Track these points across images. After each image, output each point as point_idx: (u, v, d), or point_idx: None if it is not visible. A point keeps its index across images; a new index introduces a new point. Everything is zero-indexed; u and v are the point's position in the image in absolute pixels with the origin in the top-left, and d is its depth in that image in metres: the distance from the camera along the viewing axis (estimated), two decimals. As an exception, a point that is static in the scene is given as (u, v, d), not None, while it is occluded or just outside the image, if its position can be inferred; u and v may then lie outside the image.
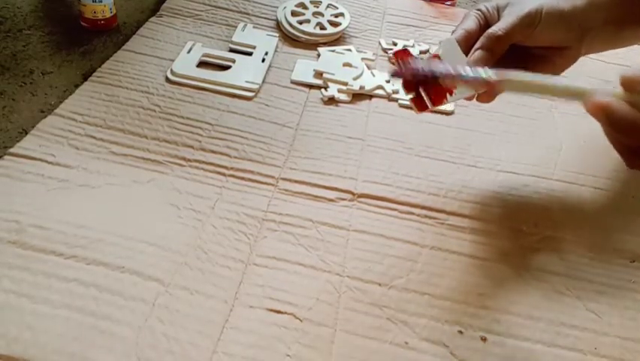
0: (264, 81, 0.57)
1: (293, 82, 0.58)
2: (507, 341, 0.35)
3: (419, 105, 0.41)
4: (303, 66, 0.60)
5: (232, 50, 0.61)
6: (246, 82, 0.55)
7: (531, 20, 0.38)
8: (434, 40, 0.70)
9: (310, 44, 0.65)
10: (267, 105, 0.54)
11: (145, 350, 0.31)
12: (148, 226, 0.39)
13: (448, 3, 0.79)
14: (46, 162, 0.43)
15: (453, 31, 0.41)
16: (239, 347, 0.33)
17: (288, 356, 0.32)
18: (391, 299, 0.37)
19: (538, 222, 0.45)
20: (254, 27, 0.65)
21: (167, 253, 0.38)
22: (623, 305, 0.39)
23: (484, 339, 0.35)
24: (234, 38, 0.62)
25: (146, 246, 0.38)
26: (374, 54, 0.65)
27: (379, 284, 0.38)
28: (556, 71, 0.41)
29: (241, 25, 0.65)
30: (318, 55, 0.63)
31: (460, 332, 0.35)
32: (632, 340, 0.37)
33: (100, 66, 0.55)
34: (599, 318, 0.38)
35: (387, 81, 0.59)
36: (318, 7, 0.69)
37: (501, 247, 0.42)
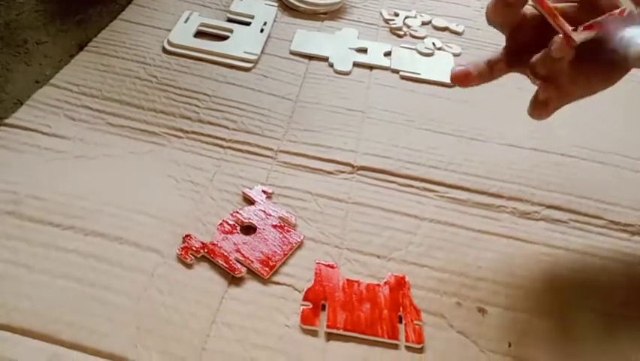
0: (262, 52, 0.56)
1: (292, 53, 0.57)
2: (506, 313, 0.35)
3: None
4: (303, 37, 0.59)
5: (230, 20, 0.60)
6: (245, 52, 0.54)
7: None
8: (436, 11, 0.69)
9: (310, 14, 0.64)
10: (265, 76, 0.53)
11: (144, 319, 0.32)
12: (146, 197, 0.39)
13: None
14: (43, 133, 0.43)
15: None
16: (238, 317, 0.33)
17: (287, 326, 0.33)
18: (390, 271, 0.37)
19: (540, 195, 0.44)
20: (252, -4, 0.64)
21: (165, 224, 0.37)
22: (624, 278, 0.39)
23: (482, 311, 0.35)
24: (232, 8, 0.61)
25: (145, 217, 0.38)
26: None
27: (378, 256, 0.38)
28: None
29: (239, -6, 0.64)
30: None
31: (459, 303, 0.35)
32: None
33: (95, 36, 0.54)
34: (595, 289, 0.38)
35: (388, 54, 0.58)
36: (318, -24, 0.67)
37: (501, 220, 0.42)
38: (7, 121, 0.43)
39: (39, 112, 0.45)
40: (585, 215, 0.43)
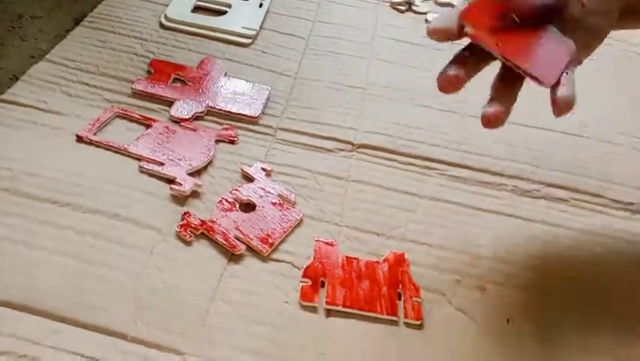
0: (261, 27, 0.55)
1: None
2: (505, 291, 0.35)
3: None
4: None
5: (228, -5, 0.59)
6: (243, 28, 0.53)
7: None
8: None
9: (310, -11, 0.62)
10: (264, 52, 0.52)
11: (143, 296, 0.31)
12: (144, 174, 0.39)
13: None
14: (39, 109, 0.42)
15: None
16: (237, 294, 0.33)
17: (286, 302, 0.33)
18: (389, 249, 0.36)
19: (541, 173, 0.44)
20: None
21: (164, 201, 0.37)
22: (622, 255, 0.39)
23: (482, 289, 0.35)
24: (231, -18, 0.60)
25: (143, 195, 0.37)
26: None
27: (377, 234, 0.38)
28: None
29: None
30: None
31: (458, 281, 0.35)
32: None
33: (91, 10, 0.53)
34: (593, 266, 0.38)
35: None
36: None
37: (502, 198, 0.42)
38: (2, 97, 0.42)
39: (35, 88, 0.44)
40: (586, 193, 0.43)
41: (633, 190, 0.44)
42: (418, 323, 0.32)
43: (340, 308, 0.32)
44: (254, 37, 0.53)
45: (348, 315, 0.32)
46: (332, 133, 0.45)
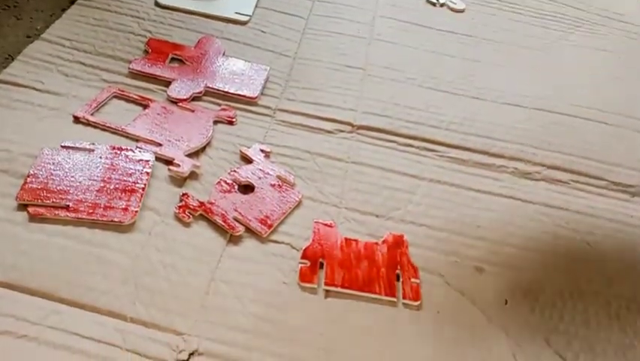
0: (258, 6, 0.54)
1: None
2: (503, 272, 0.35)
3: None
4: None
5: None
6: (235, 13, 0.52)
7: None
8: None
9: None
10: (262, 32, 0.52)
11: (142, 277, 0.32)
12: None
13: None
14: (35, 89, 0.42)
15: None
16: (236, 274, 0.33)
17: (285, 283, 0.33)
18: (388, 230, 0.36)
19: (541, 155, 0.44)
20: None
21: (161, 182, 0.37)
22: (620, 238, 0.39)
23: (480, 270, 0.35)
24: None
25: (141, 176, 0.37)
26: None
27: (376, 216, 0.38)
28: None
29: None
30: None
31: (457, 262, 0.35)
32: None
33: (87, -11, 0.52)
34: (591, 248, 0.38)
35: None
36: None
37: (502, 180, 0.41)
38: (-2, 77, 0.42)
39: (31, 68, 0.43)
40: (586, 175, 0.43)
41: (634, 173, 0.44)
42: (417, 303, 0.33)
43: (339, 289, 0.33)
44: (246, 22, 0.52)
45: (346, 296, 0.33)
46: (332, 114, 0.45)
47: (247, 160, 0.40)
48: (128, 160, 0.37)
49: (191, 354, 0.29)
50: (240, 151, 0.40)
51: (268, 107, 0.44)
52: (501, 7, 0.59)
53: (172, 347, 0.29)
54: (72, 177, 0.35)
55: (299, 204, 0.37)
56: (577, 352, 0.32)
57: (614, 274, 0.37)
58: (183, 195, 0.36)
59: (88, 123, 0.40)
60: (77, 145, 0.38)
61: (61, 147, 0.37)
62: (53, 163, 0.36)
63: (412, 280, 0.34)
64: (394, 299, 0.33)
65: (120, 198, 0.35)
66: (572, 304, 0.34)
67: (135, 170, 0.36)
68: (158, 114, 0.41)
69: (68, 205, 0.34)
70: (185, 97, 0.43)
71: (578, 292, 0.35)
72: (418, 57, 0.52)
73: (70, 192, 0.34)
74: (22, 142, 0.37)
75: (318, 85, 0.47)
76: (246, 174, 0.38)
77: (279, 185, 0.38)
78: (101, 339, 0.28)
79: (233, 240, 0.35)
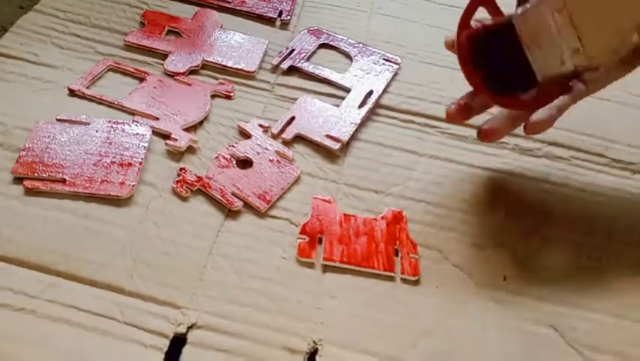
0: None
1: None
2: (503, 249, 0.35)
3: None
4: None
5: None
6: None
7: None
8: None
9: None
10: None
11: (140, 251, 0.31)
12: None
13: None
14: (29, 61, 0.41)
15: None
16: (234, 249, 0.33)
17: (284, 258, 0.33)
18: (387, 206, 0.36)
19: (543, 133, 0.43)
20: None
21: (158, 157, 0.37)
22: (621, 211, 0.39)
23: (479, 246, 0.35)
24: None
25: (138, 150, 0.37)
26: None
27: (376, 192, 0.37)
28: None
29: None
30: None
31: (456, 238, 0.35)
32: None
33: (81, -42, 0.51)
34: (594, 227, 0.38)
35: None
36: None
37: (502, 157, 0.41)
38: (-9, 49, 0.41)
39: (25, 39, 0.43)
40: (587, 152, 0.43)
41: (635, 150, 0.43)
42: (415, 278, 0.33)
43: (337, 264, 0.33)
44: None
45: (345, 271, 0.33)
46: (331, 90, 0.44)
47: (245, 135, 0.39)
48: (124, 134, 0.37)
49: (189, 327, 0.29)
50: (238, 126, 0.39)
51: (267, 82, 0.44)
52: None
53: (170, 321, 0.29)
54: (68, 150, 0.35)
55: (298, 179, 0.37)
56: (574, 327, 0.32)
57: (617, 252, 0.36)
58: (181, 169, 0.36)
59: (83, 96, 0.39)
60: (73, 118, 0.37)
61: (57, 120, 0.37)
62: (49, 136, 0.35)
63: (411, 255, 0.34)
64: (393, 274, 0.33)
65: (117, 172, 0.34)
66: (571, 282, 0.34)
67: (132, 144, 0.36)
68: (155, 88, 0.41)
69: (65, 179, 0.33)
70: (182, 70, 0.42)
71: (578, 269, 0.35)
72: (419, 31, 0.51)
73: (67, 165, 0.34)
74: (17, 115, 0.37)
75: (316, 59, 0.46)
76: (244, 149, 0.38)
77: (277, 160, 0.38)
78: (99, 312, 0.28)
79: (232, 215, 0.34)
